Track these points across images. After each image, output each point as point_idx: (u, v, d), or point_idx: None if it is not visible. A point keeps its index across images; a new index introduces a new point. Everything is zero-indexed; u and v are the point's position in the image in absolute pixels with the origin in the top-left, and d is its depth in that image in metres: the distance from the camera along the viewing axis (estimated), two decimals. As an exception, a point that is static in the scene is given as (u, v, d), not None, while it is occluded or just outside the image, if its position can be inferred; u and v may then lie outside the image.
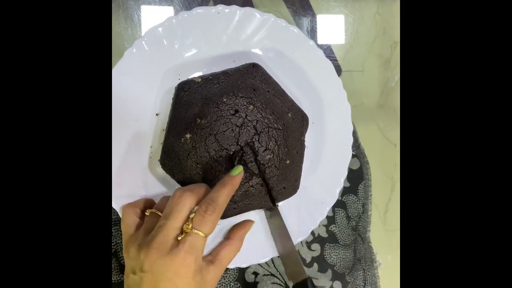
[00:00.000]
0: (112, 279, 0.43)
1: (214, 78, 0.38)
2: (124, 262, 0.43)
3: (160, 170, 0.39)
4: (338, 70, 0.48)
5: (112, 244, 0.43)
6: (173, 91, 0.38)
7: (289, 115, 0.39)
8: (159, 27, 0.38)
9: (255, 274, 0.46)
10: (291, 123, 0.38)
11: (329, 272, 0.47)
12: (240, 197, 0.37)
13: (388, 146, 0.50)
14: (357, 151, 0.49)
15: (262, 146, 0.36)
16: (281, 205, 0.41)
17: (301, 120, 0.40)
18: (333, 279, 0.47)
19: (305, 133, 0.41)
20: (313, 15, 0.48)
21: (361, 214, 0.49)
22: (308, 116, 0.41)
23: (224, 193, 0.33)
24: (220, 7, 0.39)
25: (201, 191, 0.34)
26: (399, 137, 0.45)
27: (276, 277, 0.46)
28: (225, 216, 0.38)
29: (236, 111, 0.36)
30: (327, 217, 0.47)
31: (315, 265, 0.47)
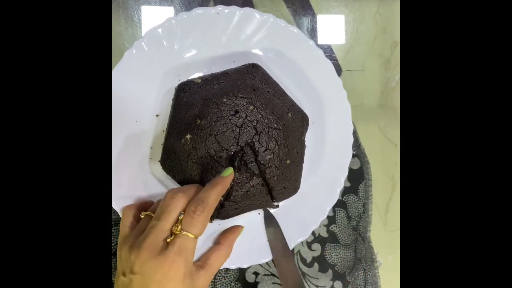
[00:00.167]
0: (112, 279, 0.43)
1: (214, 79, 0.38)
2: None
3: (160, 170, 0.39)
4: (338, 70, 0.48)
5: (112, 245, 0.43)
6: (173, 92, 0.38)
7: (289, 115, 0.39)
8: (158, 28, 0.38)
9: (256, 274, 0.46)
10: (291, 123, 0.38)
11: (330, 272, 0.47)
12: (241, 198, 0.37)
13: (388, 146, 0.49)
14: (358, 151, 0.49)
15: (262, 146, 0.36)
16: (282, 205, 0.41)
17: (301, 120, 0.40)
18: (333, 279, 0.47)
19: (305, 133, 0.41)
20: (313, 15, 0.48)
21: (361, 214, 0.48)
22: (308, 116, 0.41)
23: (214, 193, 0.33)
24: (220, 7, 0.39)
25: (193, 191, 0.34)
26: (400, 136, 0.45)
27: (277, 277, 0.46)
28: (226, 216, 0.38)
29: (236, 112, 0.36)
30: (328, 217, 0.47)
31: (316, 265, 0.47)
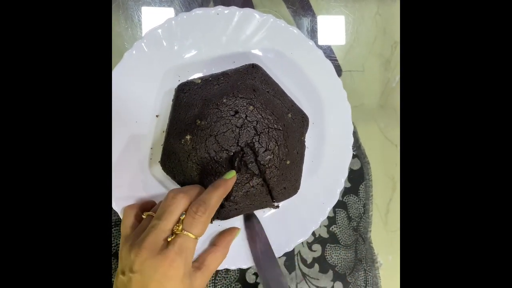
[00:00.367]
0: (112, 280, 0.43)
1: (213, 79, 0.38)
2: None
3: (160, 171, 0.39)
4: (339, 70, 0.48)
5: (113, 245, 0.43)
6: (173, 93, 0.38)
7: (289, 115, 0.38)
8: (158, 28, 0.38)
9: (256, 275, 0.46)
10: (291, 123, 0.38)
11: (330, 272, 0.47)
12: (241, 198, 0.37)
13: (388, 146, 0.49)
14: (358, 152, 0.48)
15: (262, 146, 0.36)
16: (282, 205, 0.41)
17: (301, 121, 0.40)
18: (334, 280, 0.47)
19: (306, 134, 0.41)
20: (313, 15, 0.48)
21: (362, 215, 0.48)
22: (308, 116, 0.41)
23: (216, 195, 0.33)
24: (220, 8, 0.39)
25: (194, 192, 0.34)
26: (400, 137, 0.45)
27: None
28: (226, 217, 0.38)
29: (236, 112, 0.36)
30: (328, 217, 0.47)
31: (316, 265, 0.47)
